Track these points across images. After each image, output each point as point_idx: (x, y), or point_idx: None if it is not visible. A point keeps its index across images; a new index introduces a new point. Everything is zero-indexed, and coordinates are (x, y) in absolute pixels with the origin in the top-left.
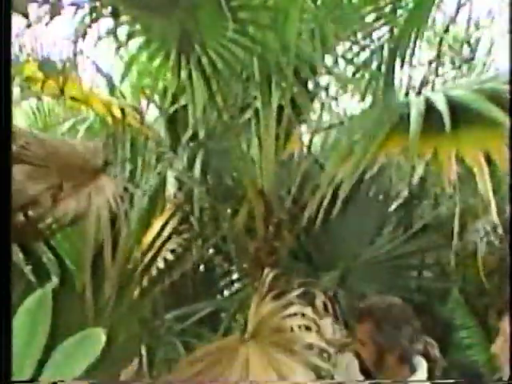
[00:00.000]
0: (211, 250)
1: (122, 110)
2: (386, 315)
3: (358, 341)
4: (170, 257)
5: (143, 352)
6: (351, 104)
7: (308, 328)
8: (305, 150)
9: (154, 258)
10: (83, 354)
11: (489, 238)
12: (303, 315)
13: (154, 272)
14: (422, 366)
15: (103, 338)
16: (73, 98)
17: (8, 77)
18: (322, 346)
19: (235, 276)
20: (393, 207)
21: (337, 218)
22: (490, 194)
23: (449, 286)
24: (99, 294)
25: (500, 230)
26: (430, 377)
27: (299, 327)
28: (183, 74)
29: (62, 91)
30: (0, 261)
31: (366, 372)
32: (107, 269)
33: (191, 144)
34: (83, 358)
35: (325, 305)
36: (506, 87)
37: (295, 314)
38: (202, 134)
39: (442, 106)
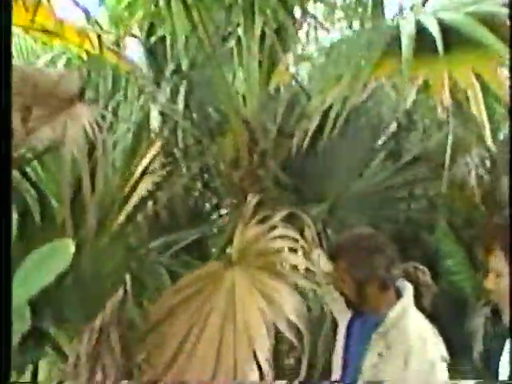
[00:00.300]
0: (198, 184)
1: (99, 38)
2: (357, 248)
3: (339, 279)
4: (153, 189)
5: (128, 281)
6: (339, 32)
7: (293, 250)
8: (291, 80)
9: (136, 190)
10: (52, 264)
11: (477, 170)
12: (287, 237)
13: (137, 202)
14: (408, 290)
15: (72, 249)
16: (46, 31)
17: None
18: (307, 267)
19: (221, 205)
20: (382, 139)
21: (325, 149)
22: (484, 117)
23: (436, 217)
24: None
25: (488, 163)
26: (421, 303)
27: (284, 249)
28: (162, 2)
29: (32, 20)
30: None
31: (352, 305)
32: (86, 200)
33: (174, 77)
34: (52, 267)
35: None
36: (504, 10)
37: (280, 237)
38: (184, 66)
39: (433, 28)
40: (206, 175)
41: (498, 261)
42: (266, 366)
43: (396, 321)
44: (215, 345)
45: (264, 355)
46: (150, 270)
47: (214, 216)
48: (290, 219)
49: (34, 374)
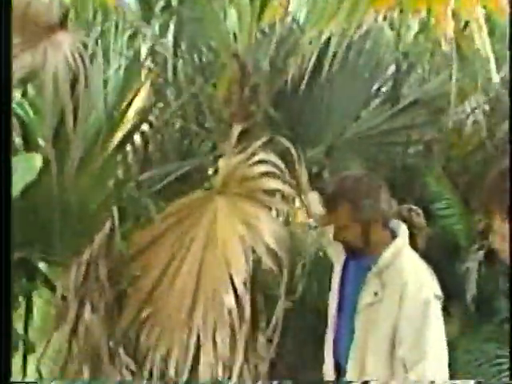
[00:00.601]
0: (192, 124)
1: None
2: (357, 190)
3: (341, 227)
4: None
5: (115, 214)
6: None
7: (274, 175)
8: (286, 15)
9: (127, 126)
10: (18, 176)
11: (476, 116)
12: (267, 162)
13: (127, 138)
14: (403, 230)
15: (38, 162)
16: None
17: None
18: (286, 191)
19: (210, 140)
20: (380, 81)
21: (321, 91)
22: (488, 48)
23: (432, 162)
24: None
25: (487, 107)
26: (415, 244)
27: (265, 174)
28: None
29: None
30: None
31: (352, 251)
32: (69, 132)
33: (164, 13)
34: (17, 180)
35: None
36: None
37: (260, 161)
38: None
39: None
40: (196, 112)
41: (499, 223)
42: (241, 289)
43: (391, 260)
44: (195, 272)
45: (240, 278)
46: (138, 204)
47: (205, 150)
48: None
49: (28, 308)
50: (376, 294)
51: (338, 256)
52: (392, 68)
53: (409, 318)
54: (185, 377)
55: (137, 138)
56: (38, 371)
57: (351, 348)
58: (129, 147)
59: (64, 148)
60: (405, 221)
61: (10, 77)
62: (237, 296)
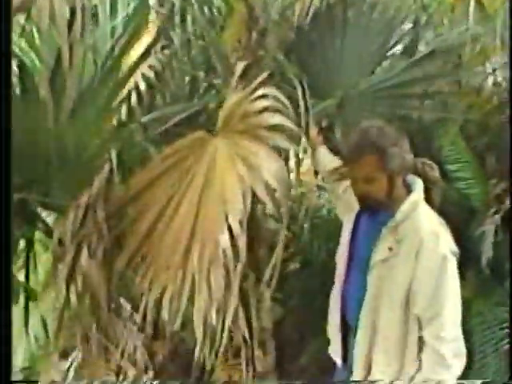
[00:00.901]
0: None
1: None
2: (385, 138)
3: (367, 178)
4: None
5: (114, 158)
6: None
7: (277, 110)
8: None
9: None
10: None
11: (496, 77)
12: (269, 96)
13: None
14: (419, 185)
15: None
16: None
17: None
18: (289, 127)
19: (216, 84)
20: (397, 34)
21: (333, 43)
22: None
23: (450, 117)
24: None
25: (507, 71)
26: (430, 200)
27: (267, 109)
28: None
29: None
30: None
31: (369, 206)
32: (65, 70)
33: None
34: None
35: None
36: None
37: (262, 96)
38: None
39: None
40: (203, 57)
41: None
42: (237, 228)
43: (407, 214)
44: (192, 213)
45: (236, 218)
46: (137, 147)
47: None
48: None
49: (28, 250)
50: (391, 249)
51: (348, 212)
52: (410, 21)
53: (426, 273)
54: (178, 320)
55: (140, 81)
56: (43, 320)
57: (363, 305)
58: (133, 90)
59: (61, 89)
60: (418, 174)
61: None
62: (232, 236)
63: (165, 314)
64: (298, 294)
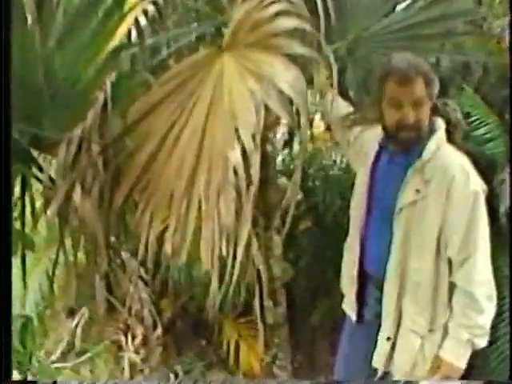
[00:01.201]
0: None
1: None
2: (425, 64)
3: (415, 103)
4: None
5: (108, 88)
6: None
7: (291, 13)
8: None
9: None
10: None
11: None
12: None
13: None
14: (442, 125)
15: None
16: None
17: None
18: (304, 52)
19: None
20: None
21: None
22: None
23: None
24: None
25: None
26: (452, 141)
27: (280, 13)
28: None
29: None
30: None
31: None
32: None
33: None
34: None
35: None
36: None
37: (274, 1)
38: None
39: None
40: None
41: None
42: (249, 143)
43: (434, 154)
44: (198, 137)
45: (248, 131)
46: (135, 77)
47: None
48: None
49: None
50: (418, 191)
51: (360, 159)
52: None
53: (459, 213)
54: (183, 255)
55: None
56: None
57: (391, 253)
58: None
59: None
60: (440, 115)
61: None
62: (244, 153)
63: (167, 248)
64: (309, 254)
